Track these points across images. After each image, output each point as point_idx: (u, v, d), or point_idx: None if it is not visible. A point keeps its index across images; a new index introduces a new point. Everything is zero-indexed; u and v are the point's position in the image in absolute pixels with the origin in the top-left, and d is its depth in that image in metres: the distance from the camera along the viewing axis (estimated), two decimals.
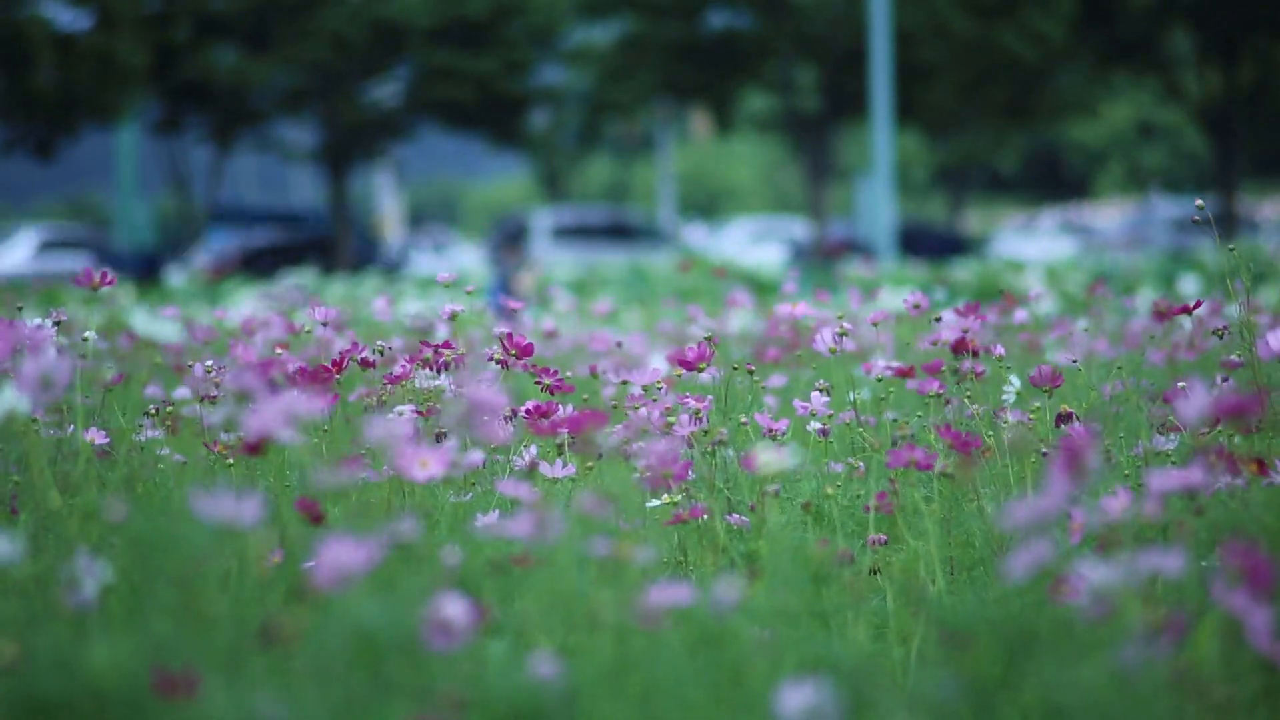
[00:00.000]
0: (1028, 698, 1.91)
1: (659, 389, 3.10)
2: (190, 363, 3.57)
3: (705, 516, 2.65)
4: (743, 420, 3.27)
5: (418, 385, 3.12)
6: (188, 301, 14.67)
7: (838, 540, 2.69)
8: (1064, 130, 41.81)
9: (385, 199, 47.46)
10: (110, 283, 3.09)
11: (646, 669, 1.91)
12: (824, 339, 3.34)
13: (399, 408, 3.03)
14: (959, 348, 3.23)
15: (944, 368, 3.32)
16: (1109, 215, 43.75)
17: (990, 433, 3.18)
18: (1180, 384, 3.14)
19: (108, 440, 2.98)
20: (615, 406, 3.27)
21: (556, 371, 3.19)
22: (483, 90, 28.20)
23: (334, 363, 3.19)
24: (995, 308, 4.76)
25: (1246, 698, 1.98)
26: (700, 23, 29.05)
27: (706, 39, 28.94)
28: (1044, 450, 3.02)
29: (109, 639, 1.88)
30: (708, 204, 58.90)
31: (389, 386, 3.17)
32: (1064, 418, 3.13)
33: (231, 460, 3.02)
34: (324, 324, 3.41)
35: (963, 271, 17.87)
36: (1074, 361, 3.68)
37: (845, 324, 3.40)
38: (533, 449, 2.90)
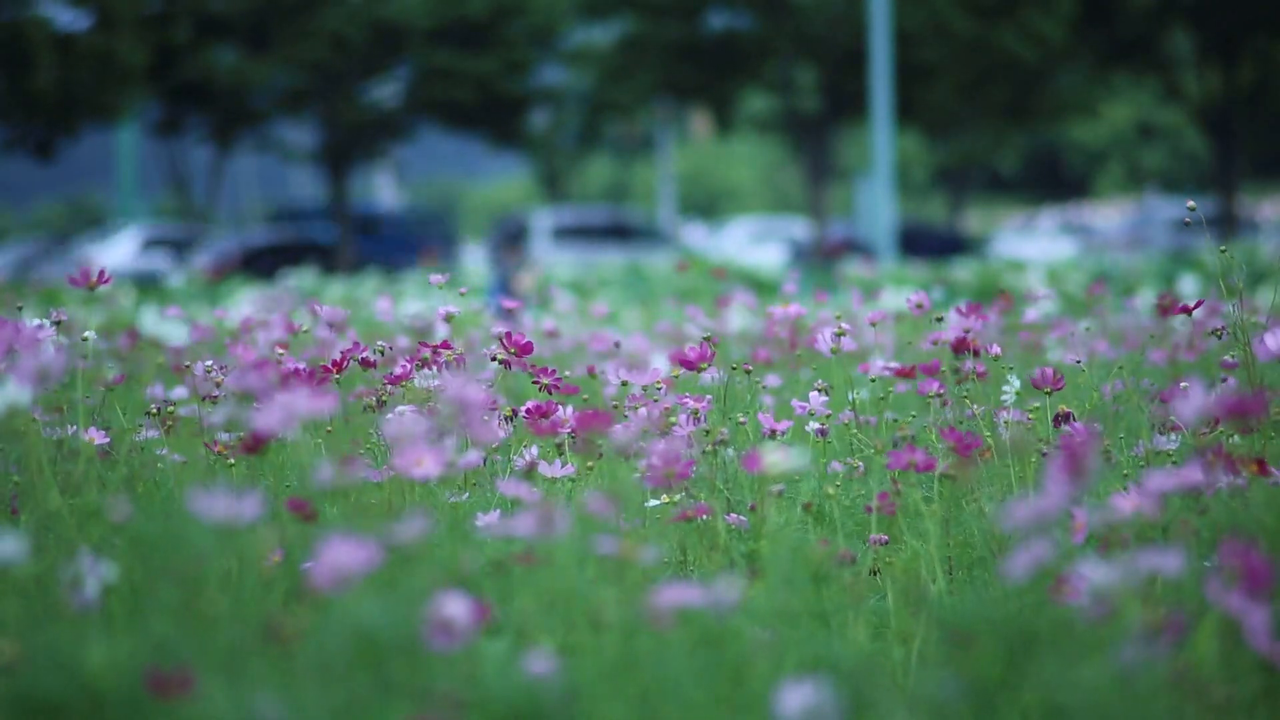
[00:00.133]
0: (1028, 698, 1.91)
1: (659, 389, 3.11)
2: (190, 363, 3.57)
3: (710, 516, 2.65)
4: (740, 420, 3.27)
5: (418, 385, 3.12)
6: (188, 302, 14.67)
7: (838, 541, 2.69)
8: (1064, 130, 41.81)
9: (385, 199, 47.45)
10: (106, 281, 3.09)
11: (647, 669, 1.92)
12: (824, 339, 3.34)
13: (400, 408, 3.04)
14: (959, 347, 3.23)
15: (943, 368, 3.32)
16: (1109, 215, 43.75)
17: (989, 434, 3.18)
18: (1183, 384, 3.14)
19: (108, 440, 2.98)
20: (616, 406, 3.27)
21: (555, 371, 3.19)
22: (483, 90, 28.20)
23: (334, 362, 3.19)
24: (995, 308, 4.76)
25: (1246, 698, 1.98)
26: (700, 23, 29.05)
27: (706, 39, 28.94)
28: (1044, 450, 3.02)
29: (108, 639, 1.88)
30: (708, 204, 58.88)
31: (389, 387, 3.17)
32: (1063, 418, 3.13)
33: (232, 460, 3.02)
34: (329, 325, 3.41)
35: (963, 272, 17.88)
36: (1077, 362, 3.69)
37: (845, 324, 3.40)
38: (534, 449, 2.90)
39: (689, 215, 53.18)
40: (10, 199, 64.43)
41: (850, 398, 3.43)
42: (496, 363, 3.20)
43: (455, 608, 1.89)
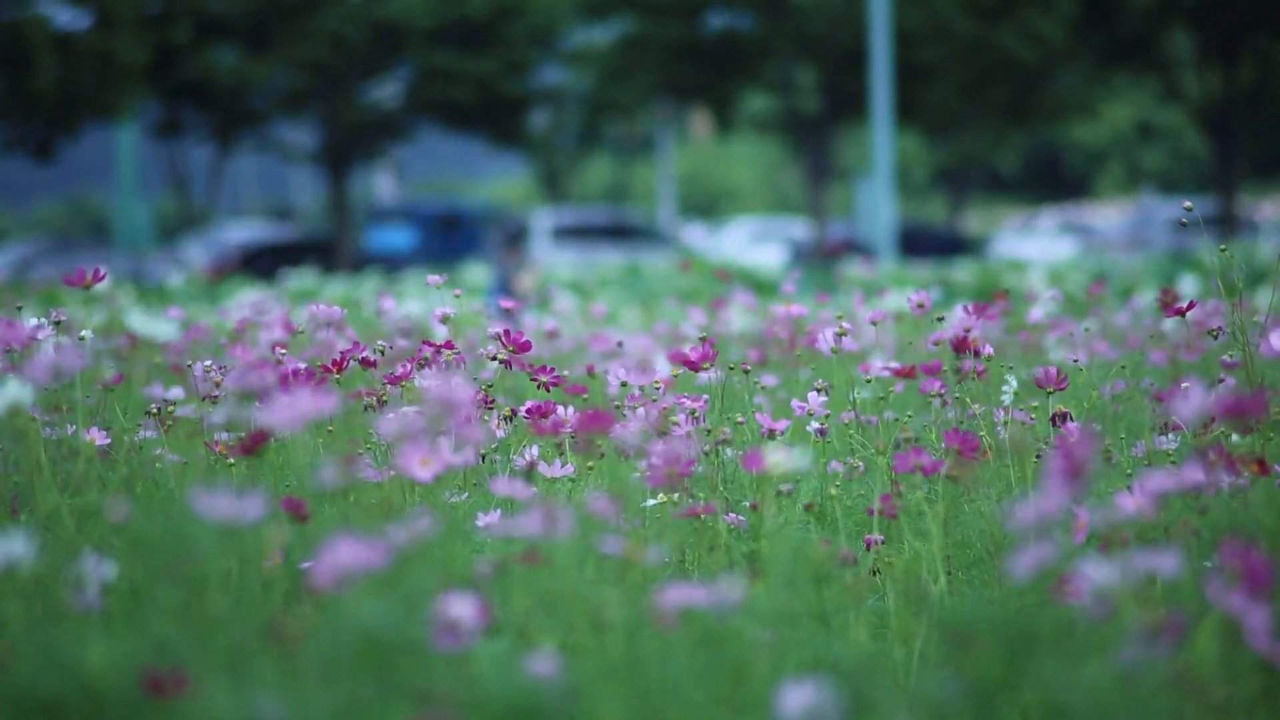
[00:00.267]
0: (1028, 698, 1.91)
1: (658, 389, 3.10)
2: (190, 363, 3.57)
3: (715, 514, 2.65)
4: (739, 420, 3.27)
5: (419, 385, 3.12)
6: (187, 302, 14.67)
7: (839, 541, 2.69)
8: (1064, 130, 41.80)
9: (385, 199, 47.46)
10: (101, 279, 3.09)
11: (648, 669, 1.91)
12: (825, 339, 3.34)
13: (401, 408, 3.03)
14: (960, 347, 3.23)
15: (944, 368, 3.32)
16: (1109, 215, 43.75)
17: (985, 434, 3.18)
18: (1183, 384, 3.14)
19: (109, 441, 2.97)
20: (617, 406, 3.27)
21: (553, 370, 3.19)
22: (483, 91, 28.21)
23: (335, 362, 3.19)
24: (996, 308, 4.75)
25: (1246, 698, 1.98)
26: (700, 23, 29.06)
27: (706, 39, 28.94)
28: (1043, 450, 3.02)
29: (107, 639, 1.88)
30: (708, 204, 58.87)
31: (389, 387, 3.17)
32: (1060, 417, 3.13)
33: (231, 460, 3.02)
34: (326, 324, 3.41)
35: (963, 272, 17.88)
36: (1075, 360, 3.68)
37: (845, 324, 3.40)
38: (534, 449, 2.90)
39: (689, 215, 53.18)
40: (10, 199, 64.42)
41: (851, 397, 3.42)
42: (496, 362, 3.20)
43: (461, 608, 1.89)
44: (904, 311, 5.45)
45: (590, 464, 2.82)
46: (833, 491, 2.84)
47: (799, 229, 35.84)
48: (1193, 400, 2.21)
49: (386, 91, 29.61)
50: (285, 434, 2.12)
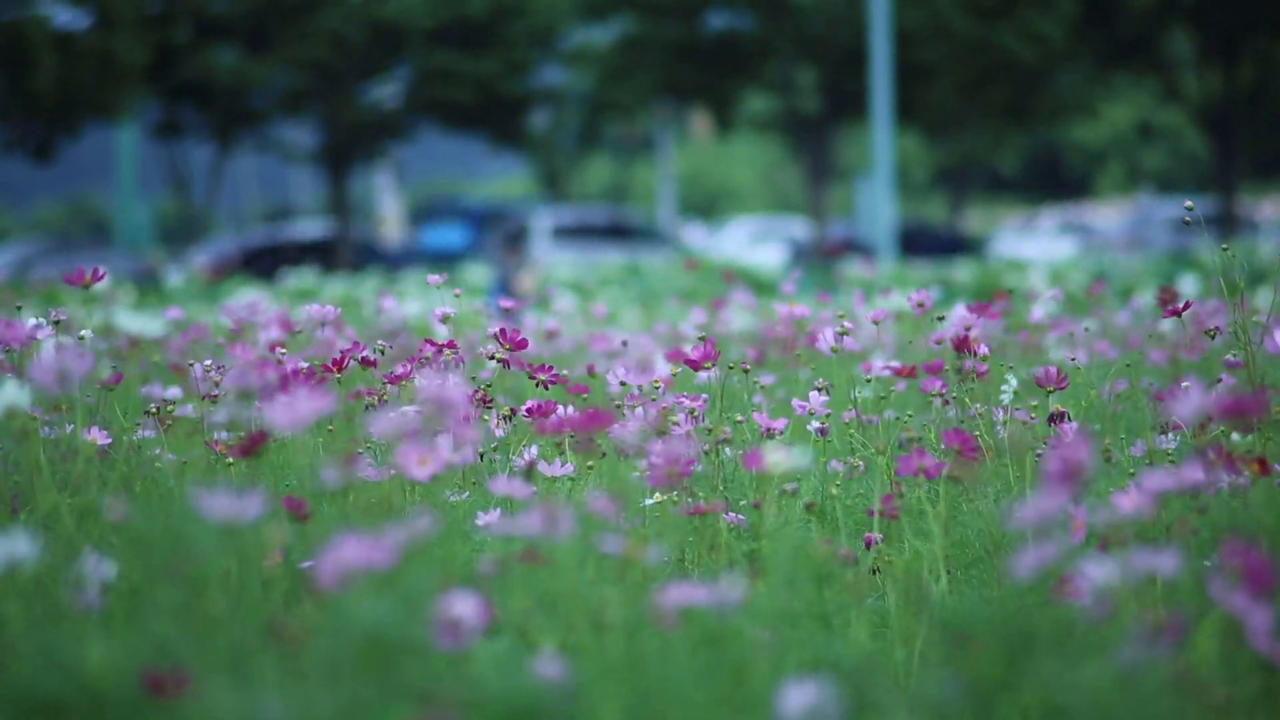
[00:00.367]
0: (1028, 698, 1.91)
1: (658, 388, 3.10)
2: (191, 362, 3.57)
3: (718, 513, 2.64)
4: (738, 419, 3.27)
5: (416, 385, 3.12)
6: (187, 302, 14.66)
7: (840, 540, 2.69)
8: (1064, 130, 41.80)
9: (385, 199, 47.45)
10: (100, 278, 3.08)
11: (649, 669, 1.91)
12: (825, 338, 3.34)
13: (400, 408, 3.03)
14: (961, 346, 3.23)
15: (946, 367, 3.31)
16: (1109, 215, 43.74)
17: (982, 433, 3.18)
18: (1183, 384, 3.14)
19: (109, 441, 2.97)
20: (617, 406, 3.27)
21: (552, 369, 3.19)
22: (483, 91, 28.21)
23: (335, 361, 3.19)
24: (997, 307, 4.75)
25: (1246, 698, 1.98)
26: (700, 23, 29.05)
27: (706, 39, 28.94)
28: (1042, 450, 3.02)
29: (107, 639, 1.88)
30: (708, 204, 58.87)
31: (389, 386, 3.17)
32: (1056, 417, 3.13)
33: (231, 460, 3.02)
34: (321, 323, 3.41)
35: (963, 272, 17.87)
36: (1072, 359, 3.68)
37: (846, 323, 3.40)
38: (534, 448, 2.90)
39: (689, 215, 53.19)
40: (10, 199, 64.42)
41: (853, 396, 3.42)
42: (495, 362, 3.20)
43: (464, 607, 1.89)
44: (904, 311, 5.45)
45: (590, 463, 2.82)
46: (833, 491, 2.84)
47: (799, 229, 35.84)
48: (1191, 400, 2.21)
49: (386, 91, 29.60)
50: (284, 434, 2.11)
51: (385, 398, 3.16)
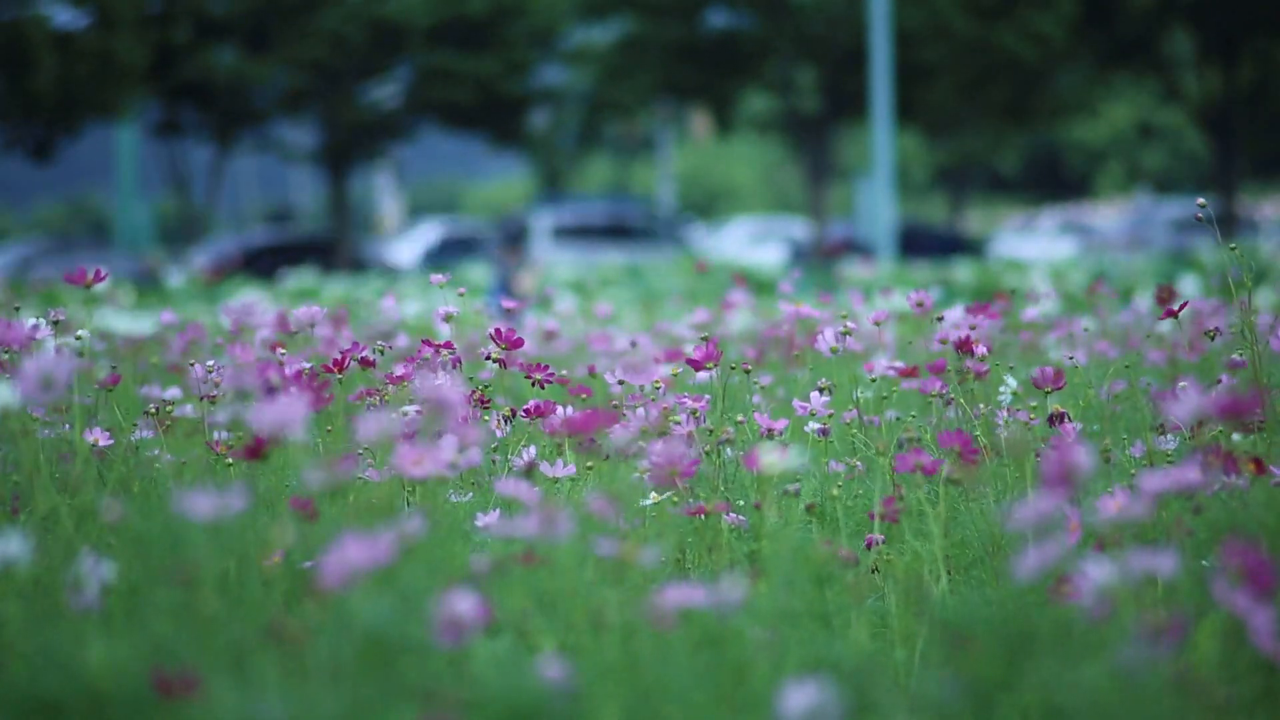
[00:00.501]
0: (1028, 698, 1.91)
1: (659, 389, 3.10)
2: (192, 362, 3.57)
3: (717, 513, 2.64)
4: (739, 419, 3.27)
5: (414, 385, 3.11)
6: (187, 302, 14.66)
7: (840, 541, 2.68)
8: (1064, 130, 41.80)
9: (385, 199, 47.46)
10: (101, 278, 3.08)
11: (648, 669, 1.91)
12: (825, 339, 3.34)
13: (396, 409, 3.03)
14: (963, 347, 3.23)
15: (948, 367, 3.31)
16: (1109, 215, 43.74)
17: (981, 434, 3.18)
18: (1181, 384, 3.14)
19: (110, 441, 2.97)
20: (615, 406, 3.27)
21: (548, 368, 3.18)
22: (483, 91, 28.21)
23: (335, 362, 3.18)
24: (996, 308, 4.75)
25: (1246, 698, 1.98)
26: (700, 23, 29.05)
27: (706, 39, 28.94)
28: (1040, 450, 3.01)
29: (108, 639, 1.87)
30: (707, 204, 58.87)
31: (389, 386, 3.17)
32: (1056, 418, 3.13)
33: (231, 460, 3.02)
34: (311, 325, 3.41)
35: (962, 272, 17.87)
36: (1070, 359, 3.68)
37: (849, 324, 3.39)
38: (532, 449, 2.89)
39: (689, 215, 53.22)
40: (10, 199, 64.44)
41: (855, 396, 3.42)
42: (493, 362, 3.20)
43: (464, 605, 1.89)
44: (904, 311, 5.45)
45: (590, 464, 2.82)
46: (834, 492, 2.83)
47: (799, 229, 35.84)
48: (1188, 400, 2.20)
49: (386, 91, 29.61)
50: (282, 435, 2.11)
51: (386, 398, 3.16)
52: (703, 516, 2.65)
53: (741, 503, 3.00)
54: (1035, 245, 33.38)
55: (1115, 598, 1.92)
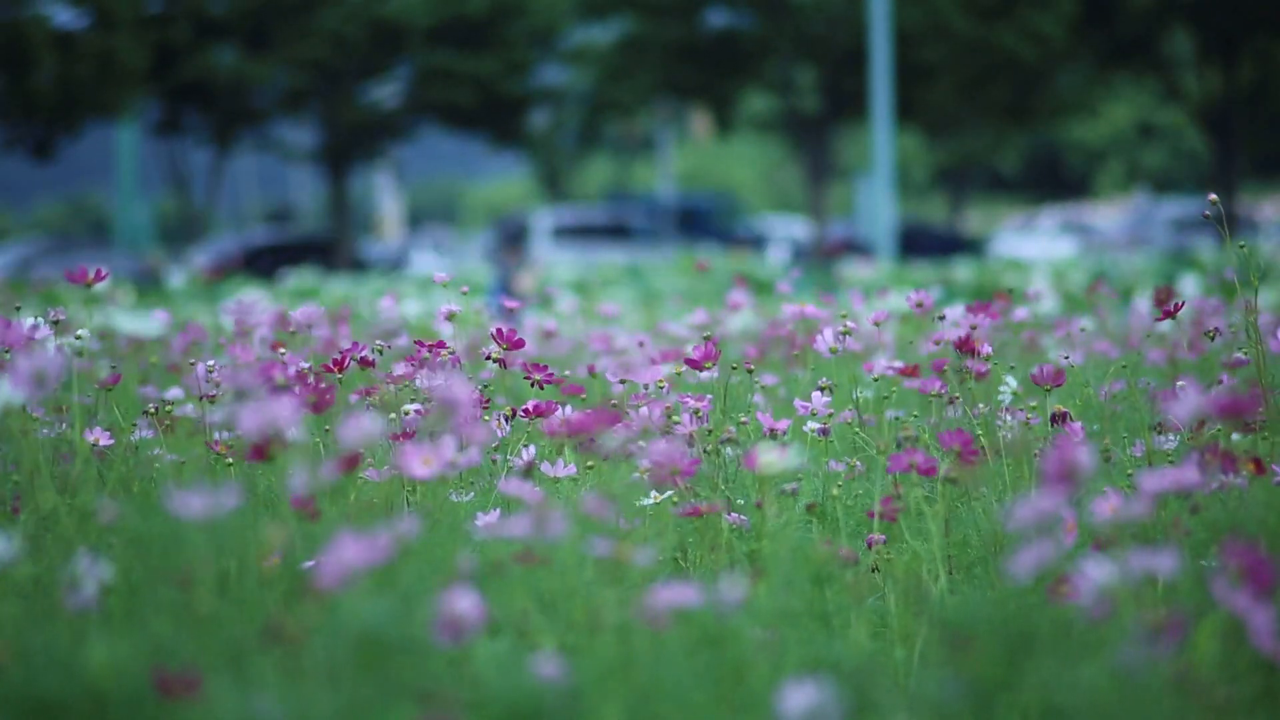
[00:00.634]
0: (1028, 698, 1.91)
1: (662, 388, 3.10)
2: (193, 361, 3.57)
3: (718, 512, 2.64)
4: (742, 419, 3.26)
5: (419, 385, 3.11)
6: (187, 302, 14.66)
7: (840, 540, 2.68)
8: (1064, 130, 41.80)
9: (385, 199, 47.46)
10: (102, 278, 3.08)
11: (648, 669, 1.91)
12: (825, 339, 3.34)
13: (405, 407, 3.03)
14: (963, 346, 3.22)
15: (948, 367, 3.31)
16: (1109, 215, 43.73)
17: (983, 434, 3.18)
18: (1179, 384, 3.14)
19: (111, 441, 2.97)
20: (615, 405, 3.27)
21: (547, 368, 3.18)
22: (483, 91, 28.21)
23: (335, 362, 3.18)
24: (995, 308, 4.74)
25: (1246, 698, 1.98)
26: (700, 23, 29.06)
27: (706, 39, 28.94)
28: (1041, 450, 3.01)
29: (108, 639, 1.87)
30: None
31: (389, 386, 3.17)
32: (1058, 417, 3.13)
33: (231, 460, 3.01)
34: (307, 326, 3.41)
35: (962, 272, 17.87)
36: (1066, 358, 3.68)
37: (849, 323, 3.39)
38: (531, 448, 2.89)
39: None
40: (10, 199, 64.44)
41: (855, 396, 3.42)
42: (492, 362, 3.20)
43: (463, 604, 1.89)
44: (904, 311, 5.45)
45: (590, 464, 2.82)
46: (834, 491, 2.83)
47: (799, 229, 35.85)
48: (1187, 400, 2.20)
49: (386, 91, 29.61)
50: (271, 436, 2.11)
51: (386, 398, 3.16)
52: (700, 516, 2.65)
53: (742, 502, 3.00)
54: (1035, 245, 33.37)
55: (1115, 598, 1.92)
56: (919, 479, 2.69)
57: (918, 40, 26.60)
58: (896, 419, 3.66)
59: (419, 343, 3.23)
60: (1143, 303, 6.66)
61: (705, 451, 3.03)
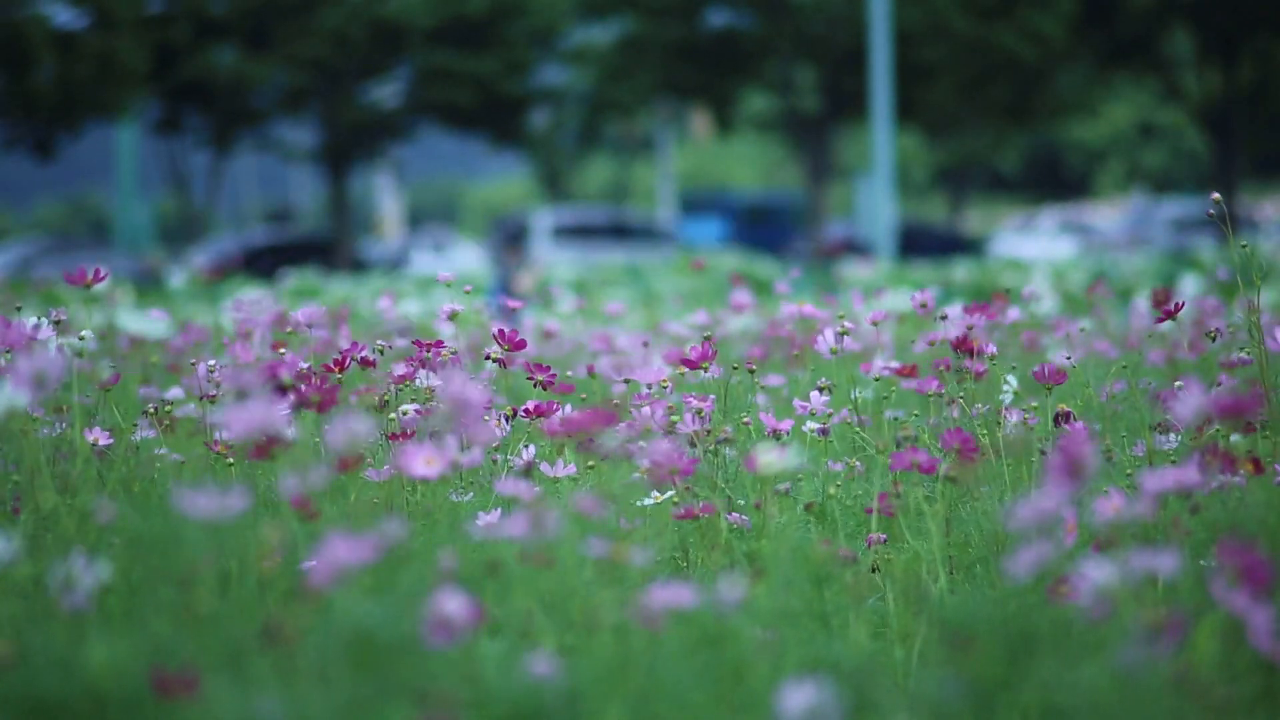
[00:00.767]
0: (1028, 698, 1.91)
1: (664, 388, 3.10)
2: (194, 361, 3.57)
3: (713, 513, 2.64)
4: (744, 420, 3.26)
5: (421, 384, 3.11)
6: (187, 302, 14.66)
7: (839, 540, 2.68)
8: (1064, 130, 41.80)
9: (385, 199, 47.46)
10: (102, 278, 3.08)
11: (647, 669, 1.91)
12: (825, 339, 3.34)
13: (403, 406, 3.03)
14: (961, 346, 3.22)
15: (948, 367, 3.31)
16: (1109, 215, 43.72)
17: (985, 433, 3.18)
18: (1177, 384, 3.14)
19: (111, 441, 2.97)
20: (617, 405, 3.27)
21: (549, 368, 3.18)
22: (483, 91, 28.21)
23: (335, 361, 3.18)
24: (994, 308, 4.74)
25: (1246, 698, 1.98)
26: (700, 23, 29.05)
27: (706, 39, 28.93)
28: (1042, 450, 3.01)
29: (107, 639, 1.87)
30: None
31: (387, 387, 3.17)
32: (1062, 417, 3.13)
33: (231, 460, 3.01)
34: (309, 326, 3.41)
35: (962, 272, 17.87)
36: (1067, 358, 3.68)
37: (847, 324, 3.39)
38: (531, 448, 2.89)
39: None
40: (10, 199, 64.45)
41: (854, 396, 3.42)
42: (493, 362, 3.20)
43: (453, 604, 1.89)
44: (904, 312, 5.45)
45: (590, 464, 2.82)
46: (832, 491, 2.83)
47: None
48: (1189, 400, 2.20)
49: (386, 91, 29.61)
50: (257, 438, 2.11)
51: (387, 398, 3.16)
52: (697, 517, 2.65)
53: (742, 502, 3.00)
54: (1035, 245, 33.36)
55: (1115, 598, 1.92)
56: (919, 478, 2.69)
57: (918, 40, 26.60)
58: (895, 419, 3.67)
59: (418, 342, 3.22)
60: (1143, 303, 6.66)
61: (705, 452, 3.03)
